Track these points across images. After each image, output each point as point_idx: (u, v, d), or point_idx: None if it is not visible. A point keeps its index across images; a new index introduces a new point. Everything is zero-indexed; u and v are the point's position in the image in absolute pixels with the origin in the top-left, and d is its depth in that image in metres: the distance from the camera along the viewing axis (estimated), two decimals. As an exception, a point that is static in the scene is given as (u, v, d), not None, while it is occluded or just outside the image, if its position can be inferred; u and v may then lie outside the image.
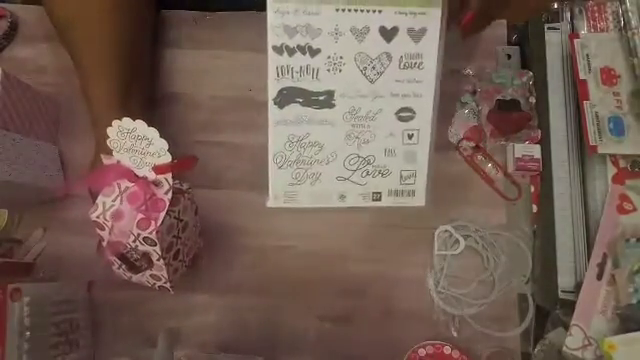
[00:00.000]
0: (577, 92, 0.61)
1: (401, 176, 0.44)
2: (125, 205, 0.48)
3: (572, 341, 0.54)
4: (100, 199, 0.49)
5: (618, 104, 0.60)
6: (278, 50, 0.41)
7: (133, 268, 0.53)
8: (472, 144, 0.63)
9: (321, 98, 0.42)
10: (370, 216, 0.62)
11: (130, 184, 0.48)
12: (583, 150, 0.61)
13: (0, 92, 0.56)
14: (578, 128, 0.62)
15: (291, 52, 0.41)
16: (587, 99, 0.60)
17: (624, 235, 0.57)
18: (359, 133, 0.43)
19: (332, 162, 0.44)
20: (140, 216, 0.47)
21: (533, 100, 0.63)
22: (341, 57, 0.42)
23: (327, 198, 0.45)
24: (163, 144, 0.46)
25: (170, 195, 0.48)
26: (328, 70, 0.42)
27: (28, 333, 0.49)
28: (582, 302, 0.55)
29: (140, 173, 0.48)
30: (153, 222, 0.47)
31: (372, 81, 0.42)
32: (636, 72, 0.60)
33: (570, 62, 0.63)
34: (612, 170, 0.60)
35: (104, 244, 0.51)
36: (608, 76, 0.61)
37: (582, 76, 0.61)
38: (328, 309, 0.60)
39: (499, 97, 0.63)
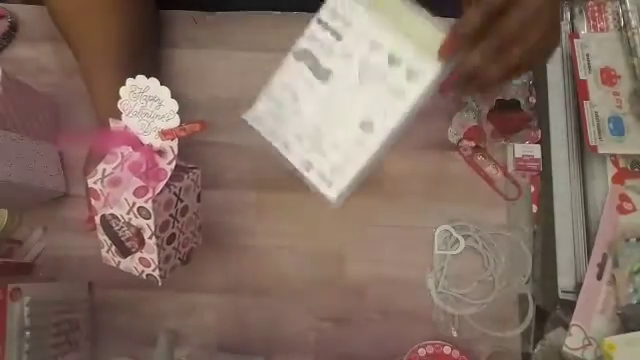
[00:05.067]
0: (577, 92, 0.61)
1: (333, 166, 0.48)
2: (125, 173, 0.46)
3: (572, 341, 0.54)
4: (101, 165, 0.47)
5: (618, 104, 0.60)
6: (320, 22, 0.49)
7: (123, 250, 0.50)
8: (472, 144, 0.63)
9: (321, 71, 0.48)
10: (370, 216, 0.62)
11: (133, 152, 0.46)
12: (583, 150, 0.61)
13: (0, 92, 0.56)
14: (578, 128, 0.62)
15: (325, 28, 0.48)
16: (587, 99, 0.60)
17: (624, 235, 0.56)
18: (328, 115, 0.49)
19: (299, 120, 0.49)
20: (138, 184, 0.45)
21: (533, 100, 0.63)
22: (351, 52, 0.48)
23: (278, 139, 0.50)
24: (173, 105, 0.44)
25: (173, 166, 0.46)
26: (338, 55, 0.48)
27: (28, 333, 0.49)
28: (582, 302, 0.55)
29: (146, 140, 0.46)
30: (151, 190, 0.45)
31: (361, 83, 0.47)
32: (636, 72, 0.60)
33: (570, 62, 0.63)
34: (612, 170, 0.60)
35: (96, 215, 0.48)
36: (608, 76, 0.61)
37: (582, 76, 0.61)
38: (328, 309, 0.60)
39: (499, 97, 0.63)
